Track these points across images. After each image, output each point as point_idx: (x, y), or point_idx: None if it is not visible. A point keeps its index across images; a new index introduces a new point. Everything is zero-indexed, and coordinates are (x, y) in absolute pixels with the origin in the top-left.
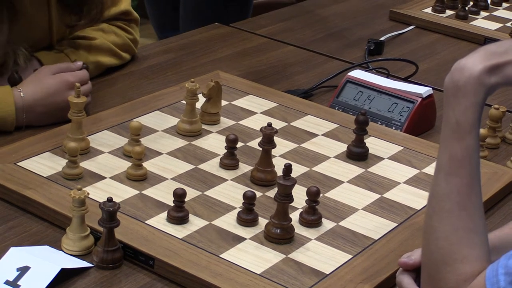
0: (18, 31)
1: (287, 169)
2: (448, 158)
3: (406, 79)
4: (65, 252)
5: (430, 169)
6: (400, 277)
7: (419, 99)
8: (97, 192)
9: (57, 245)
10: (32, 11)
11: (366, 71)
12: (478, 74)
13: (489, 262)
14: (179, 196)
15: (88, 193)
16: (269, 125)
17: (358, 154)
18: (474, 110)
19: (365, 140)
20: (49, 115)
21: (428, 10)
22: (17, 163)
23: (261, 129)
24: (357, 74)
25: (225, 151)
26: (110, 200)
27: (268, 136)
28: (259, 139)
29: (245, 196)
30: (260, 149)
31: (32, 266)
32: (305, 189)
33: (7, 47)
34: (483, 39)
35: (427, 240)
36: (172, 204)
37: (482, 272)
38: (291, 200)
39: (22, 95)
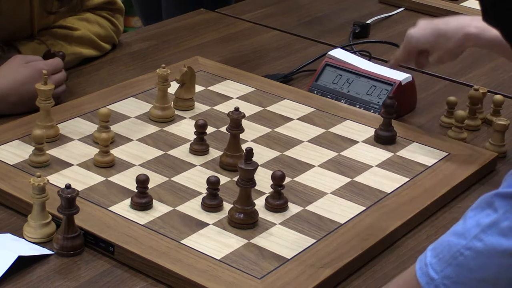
0: None
1: (248, 153)
2: None
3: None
4: (26, 240)
5: (405, 152)
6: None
7: (398, 82)
8: (63, 179)
9: (19, 233)
10: (11, 2)
11: (347, 51)
12: None
13: None
14: (141, 182)
15: (48, 180)
16: (236, 109)
17: (386, 137)
18: None
19: (341, 124)
20: (22, 104)
21: None
22: None
23: (228, 114)
24: (337, 53)
25: (195, 136)
26: (68, 186)
27: (235, 121)
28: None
29: (208, 181)
30: (229, 134)
31: None
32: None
33: None
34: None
35: None
36: (135, 190)
37: None
38: (254, 184)
39: None
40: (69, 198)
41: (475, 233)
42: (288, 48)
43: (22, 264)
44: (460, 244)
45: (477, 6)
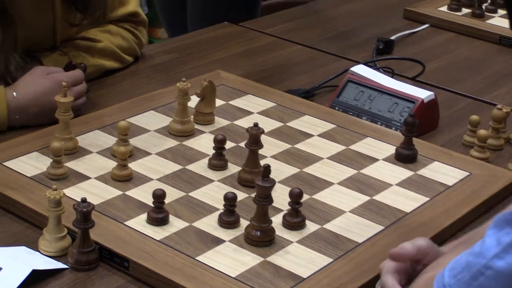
0: (17, 37)
1: (266, 170)
2: None
3: (412, 79)
4: (41, 253)
5: (425, 171)
6: (384, 277)
7: (420, 99)
8: (80, 193)
9: (34, 246)
10: (34, 14)
11: (369, 67)
12: None
13: None
14: (158, 197)
15: (64, 193)
16: (255, 125)
17: (407, 156)
18: None
19: (361, 141)
20: (42, 115)
21: (444, 8)
22: (3, 163)
23: (247, 130)
24: (360, 69)
25: (214, 151)
26: (84, 200)
27: (254, 136)
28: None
29: (225, 197)
30: (248, 149)
31: (4, 267)
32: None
33: (0, 54)
34: (498, 38)
35: None
36: (152, 205)
37: None
38: (271, 201)
39: (15, 95)
40: (85, 212)
41: (496, 252)
42: (311, 63)
43: (36, 278)
44: (480, 264)
45: (503, 23)
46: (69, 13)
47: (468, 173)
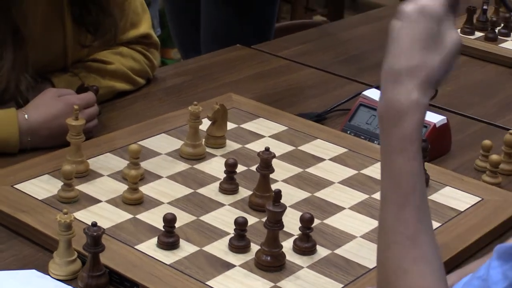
0: (28, 57)
1: (277, 195)
2: (392, 185)
3: None
4: (51, 277)
5: (437, 196)
6: None
7: (432, 124)
8: (91, 216)
9: (44, 269)
10: (45, 34)
11: None
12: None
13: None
14: (168, 221)
15: (74, 217)
16: (267, 149)
17: None
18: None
19: (373, 166)
20: (54, 137)
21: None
22: (14, 186)
23: (258, 154)
24: (372, 93)
25: (225, 175)
26: (94, 224)
27: (265, 161)
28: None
29: (236, 222)
30: (259, 173)
31: None
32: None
33: (11, 73)
34: (511, 62)
35: (378, 272)
36: (162, 229)
37: None
38: (281, 226)
39: (27, 117)
40: (95, 236)
41: (503, 286)
42: (323, 86)
43: None
44: None
45: None
46: (80, 35)
47: (480, 199)
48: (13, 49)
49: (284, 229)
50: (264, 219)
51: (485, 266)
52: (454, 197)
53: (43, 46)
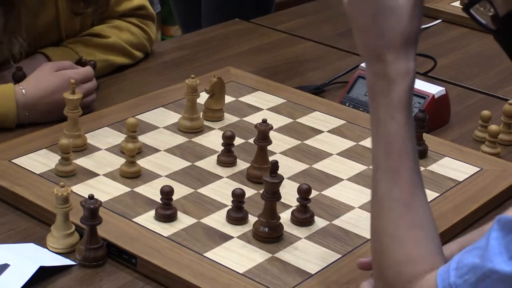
0: (21, 21)
1: (274, 166)
2: (384, 153)
3: (424, 74)
4: (49, 250)
5: (436, 167)
6: (362, 284)
7: (431, 95)
8: (88, 189)
9: (42, 243)
10: (36, 1)
11: None
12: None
13: (439, 258)
14: (165, 193)
15: (71, 190)
16: (264, 121)
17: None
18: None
19: (368, 137)
20: (51, 112)
21: (456, 3)
22: (12, 160)
23: (255, 126)
24: None
25: (223, 148)
26: (91, 197)
27: (262, 133)
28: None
29: (233, 193)
30: (257, 146)
31: (12, 263)
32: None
33: (3, 36)
34: None
35: (372, 241)
36: (160, 202)
37: (435, 270)
38: (279, 198)
39: (24, 92)
40: (92, 209)
41: (503, 258)
42: (322, 60)
43: (44, 274)
44: (486, 267)
45: None
46: (73, 4)
47: (479, 169)
48: (3, 11)
49: (282, 200)
50: (261, 191)
51: (485, 237)
52: (452, 167)
53: (34, 10)
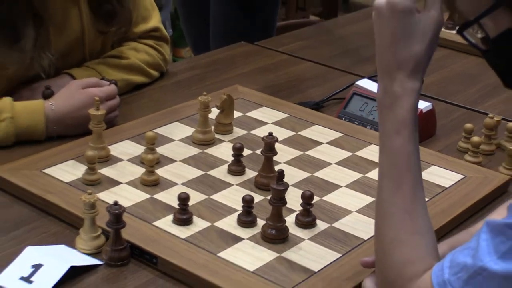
0: (49, 37)
1: (280, 174)
2: (390, 164)
3: None
4: (78, 251)
5: (424, 174)
6: (365, 280)
7: (419, 110)
8: (112, 196)
9: (72, 245)
10: (64, 17)
11: (373, 81)
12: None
13: (436, 259)
14: (182, 199)
15: (98, 197)
16: (270, 134)
17: None
18: (411, 115)
19: (366, 148)
20: (78, 126)
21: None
22: (43, 170)
23: (262, 138)
24: (364, 83)
25: (232, 158)
26: (115, 203)
27: (269, 144)
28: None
29: (243, 199)
30: (263, 156)
31: (45, 263)
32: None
33: (34, 51)
34: None
35: (376, 242)
36: (177, 207)
37: (430, 271)
38: (285, 203)
39: (53, 108)
40: (116, 214)
41: (493, 257)
42: (320, 78)
43: (74, 273)
44: (477, 266)
45: None
46: (97, 23)
47: (463, 176)
48: (34, 29)
49: (287, 205)
50: (268, 197)
51: (475, 238)
52: (439, 175)
53: (61, 28)
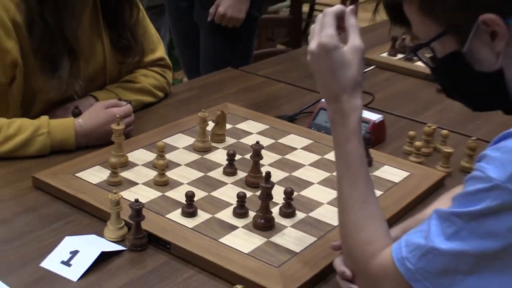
0: (79, 68)
1: (267, 175)
2: (345, 166)
3: (366, 106)
4: (106, 239)
5: (379, 172)
6: (335, 260)
7: (373, 121)
8: (132, 195)
9: (101, 234)
10: (90, 51)
11: None
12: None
13: (390, 238)
14: (189, 196)
15: (122, 196)
16: (257, 142)
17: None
18: (358, 127)
19: (332, 152)
20: (101, 139)
21: (385, 54)
22: (75, 174)
23: (251, 146)
24: None
25: (227, 162)
26: (136, 200)
27: (256, 151)
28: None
29: (238, 195)
30: (252, 160)
31: (81, 250)
32: (283, 189)
33: (69, 78)
34: (424, 75)
35: (340, 229)
36: (185, 203)
37: (388, 247)
38: (271, 198)
39: (82, 125)
40: (137, 209)
41: (441, 239)
42: (292, 96)
43: (104, 257)
44: (429, 245)
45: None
46: (117, 55)
47: (408, 173)
48: (68, 61)
49: (272, 200)
50: (257, 193)
51: (426, 223)
52: (390, 173)
53: (88, 60)
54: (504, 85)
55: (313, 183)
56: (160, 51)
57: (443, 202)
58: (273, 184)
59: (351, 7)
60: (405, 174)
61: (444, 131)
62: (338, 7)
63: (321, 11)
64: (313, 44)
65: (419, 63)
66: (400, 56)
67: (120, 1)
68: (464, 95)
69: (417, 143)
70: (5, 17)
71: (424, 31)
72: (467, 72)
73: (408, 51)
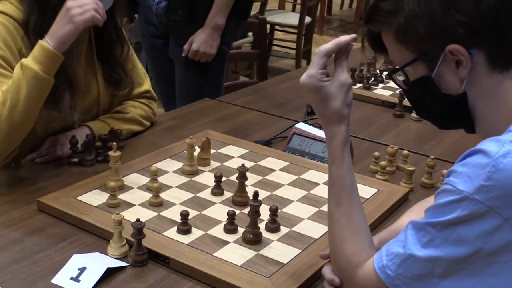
0: (77, 101)
1: (255, 194)
2: (331, 186)
3: None
4: (110, 256)
5: None
6: (323, 268)
7: None
8: (129, 215)
9: (104, 252)
10: (86, 85)
11: (306, 124)
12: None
13: (373, 249)
14: (184, 215)
15: (123, 216)
16: (242, 165)
17: None
18: (342, 149)
19: (307, 172)
20: (67, 21)
21: None
22: (77, 197)
23: (237, 168)
24: (301, 126)
25: (214, 183)
26: (138, 220)
27: (242, 173)
28: (236, 175)
29: (228, 213)
30: (237, 181)
31: (88, 266)
32: (268, 207)
33: (68, 110)
34: (381, 102)
35: (329, 241)
36: (180, 221)
37: (371, 258)
38: (259, 214)
39: (48, 37)
40: (139, 228)
41: (417, 247)
42: (265, 122)
43: (109, 272)
44: (407, 253)
45: (383, 92)
46: (109, 88)
47: (377, 190)
48: (69, 94)
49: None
50: (244, 211)
51: (403, 233)
52: (361, 189)
53: (85, 93)
54: (467, 107)
55: (293, 201)
56: (146, 84)
57: (411, 215)
58: (260, 202)
59: (352, 35)
60: (373, 190)
61: (405, 152)
62: (329, 46)
63: (279, 46)
64: (304, 78)
65: (376, 91)
66: (359, 85)
67: (112, 39)
68: (432, 114)
69: (382, 163)
70: (15, 49)
71: (399, 57)
72: (435, 94)
73: (366, 81)
